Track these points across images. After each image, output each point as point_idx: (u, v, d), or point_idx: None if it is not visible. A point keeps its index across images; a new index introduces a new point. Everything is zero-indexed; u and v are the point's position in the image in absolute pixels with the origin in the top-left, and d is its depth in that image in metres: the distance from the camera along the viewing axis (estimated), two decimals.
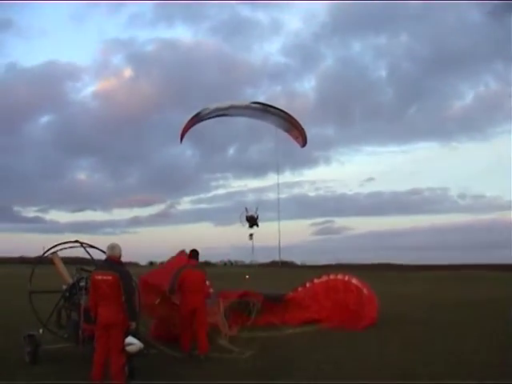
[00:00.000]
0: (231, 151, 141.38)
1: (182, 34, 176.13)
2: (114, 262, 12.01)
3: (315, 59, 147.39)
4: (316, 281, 23.21)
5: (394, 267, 70.16)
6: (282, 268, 74.76)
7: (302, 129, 22.50)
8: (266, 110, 21.60)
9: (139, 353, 12.03)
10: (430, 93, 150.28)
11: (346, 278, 22.68)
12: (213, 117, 21.64)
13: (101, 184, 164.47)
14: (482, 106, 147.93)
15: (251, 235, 22.74)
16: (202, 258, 17.13)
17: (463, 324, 21.28)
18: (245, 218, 22.90)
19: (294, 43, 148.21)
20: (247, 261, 72.42)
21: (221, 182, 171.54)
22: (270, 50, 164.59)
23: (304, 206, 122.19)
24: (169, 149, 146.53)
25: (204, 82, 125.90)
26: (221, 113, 21.63)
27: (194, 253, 16.28)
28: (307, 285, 23.33)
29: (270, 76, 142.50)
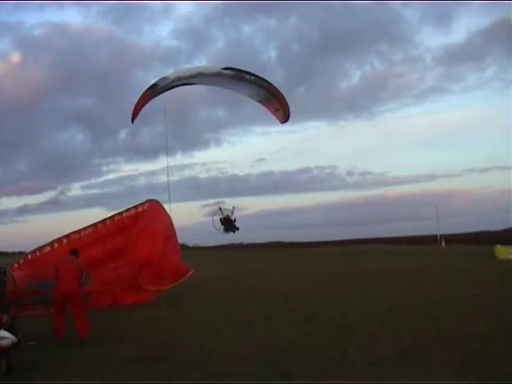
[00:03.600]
0: (122, 135, 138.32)
1: (72, 17, 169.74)
2: None
3: (206, 42, 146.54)
4: (83, 233, 21.32)
5: (285, 245, 71.41)
6: None
7: (285, 100, 19.02)
8: (240, 77, 18.22)
9: (13, 346, 11.38)
10: (318, 73, 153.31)
11: (116, 218, 21.61)
12: (174, 87, 18.45)
13: None
14: (368, 86, 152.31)
15: None
16: None
17: (348, 297, 21.69)
18: (219, 220, 19.38)
19: (185, 26, 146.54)
20: None
21: (112, 166, 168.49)
22: (161, 34, 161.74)
23: (195, 188, 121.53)
24: (59, 134, 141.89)
25: (95, 66, 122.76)
26: (184, 82, 18.44)
27: (73, 251, 16.36)
28: (72, 237, 21.12)
29: (161, 59, 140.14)
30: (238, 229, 19.69)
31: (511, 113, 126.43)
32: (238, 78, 18.15)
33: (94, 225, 21.59)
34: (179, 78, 17.87)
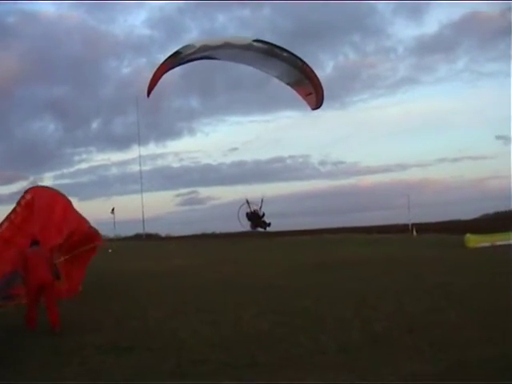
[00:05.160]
0: (95, 124, 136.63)
1: (44, 6, 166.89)
2: None
3: (180, 31, 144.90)
4: (0, 230, 20.70)
5: (257, 234, 71.44)
6: (146, 241, 73.93)
7: (319, 83, 16.92)
8: (272, 52, 16.18)
9: None
10: None
11: (22, 202, 20.91)
12: (197, 59, 16.27)
13: None
14: (341, 76, 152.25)
15: (113, 209, 20.77)
16: None
17: (320, 286, 21.78)
18: (245, 214, 17.12)
19: (158, 16, 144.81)
20: (111, 235, 71.08)
21: (84, 156, 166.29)
22: (134, 23, 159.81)
23: (168, 178, 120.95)
24: (30, 123, 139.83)
25: (67, 55, 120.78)
26: (208, 54, 16.27)
27: (34, 241, 16.24)
28: None
29: (135, 48, 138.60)
30: (269, 225, 17.57)
31: (481, 104, 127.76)
32: (269, 53, 16.29)
33: (7, 218, 21.04)
34: (205, 47, 15.90)
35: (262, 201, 16.65)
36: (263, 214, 16.93)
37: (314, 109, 17.46)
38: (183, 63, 16.18)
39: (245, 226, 17.10)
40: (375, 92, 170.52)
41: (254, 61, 16.73)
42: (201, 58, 16.30)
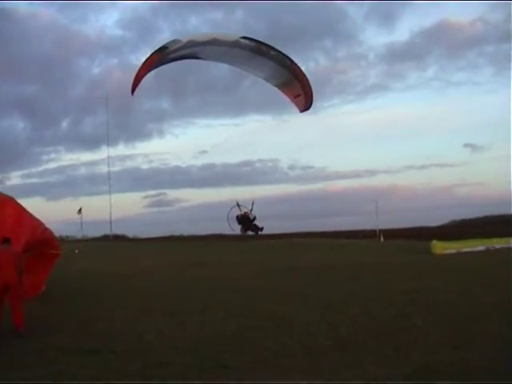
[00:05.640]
0: (64, 124, 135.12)
1: (15, 3, 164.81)
2: None
3: (152, 32, 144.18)
4: None
5: (226, 238, 71.42)
6: (113, 242, 73.33)
7: (308, 83, 16.31)
8: (259, 50, 15.54)
9: None
10: None
11: None
12: (182, 57, 15.72)
13: None
14: (312, 82, 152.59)
15: (80, 210, 20.15)
16: None
17: (288, 290, 21.81)
18: (235, 217, 16.48)
19: (130, 16, 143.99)
20: (79, 235, 70.46)
21: (52, 155, 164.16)
22: (106, 23, 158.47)
23: (137, 179, 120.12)
24: None
25: (38, 54, 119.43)
26: (194, 51, 15.57)
27: (6, 239, 15.61)
28: None
29: (106, 48, 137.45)
30: (261, 229, 17.13)
31: (449, 112, 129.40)
32: (256, 51, 15.69)
33: None
34: (192, 42, 15.27)
35: (252, 203, 16.16)
36: (254, 218, 16.43)
37: (302, 111, 16.88)
38: (168, 62, 15.75)
39: (235, 229, 16.66)
40: (346, 98, 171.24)
41: (241, 60, 16.24)
42: (186, 57, 15.92)
